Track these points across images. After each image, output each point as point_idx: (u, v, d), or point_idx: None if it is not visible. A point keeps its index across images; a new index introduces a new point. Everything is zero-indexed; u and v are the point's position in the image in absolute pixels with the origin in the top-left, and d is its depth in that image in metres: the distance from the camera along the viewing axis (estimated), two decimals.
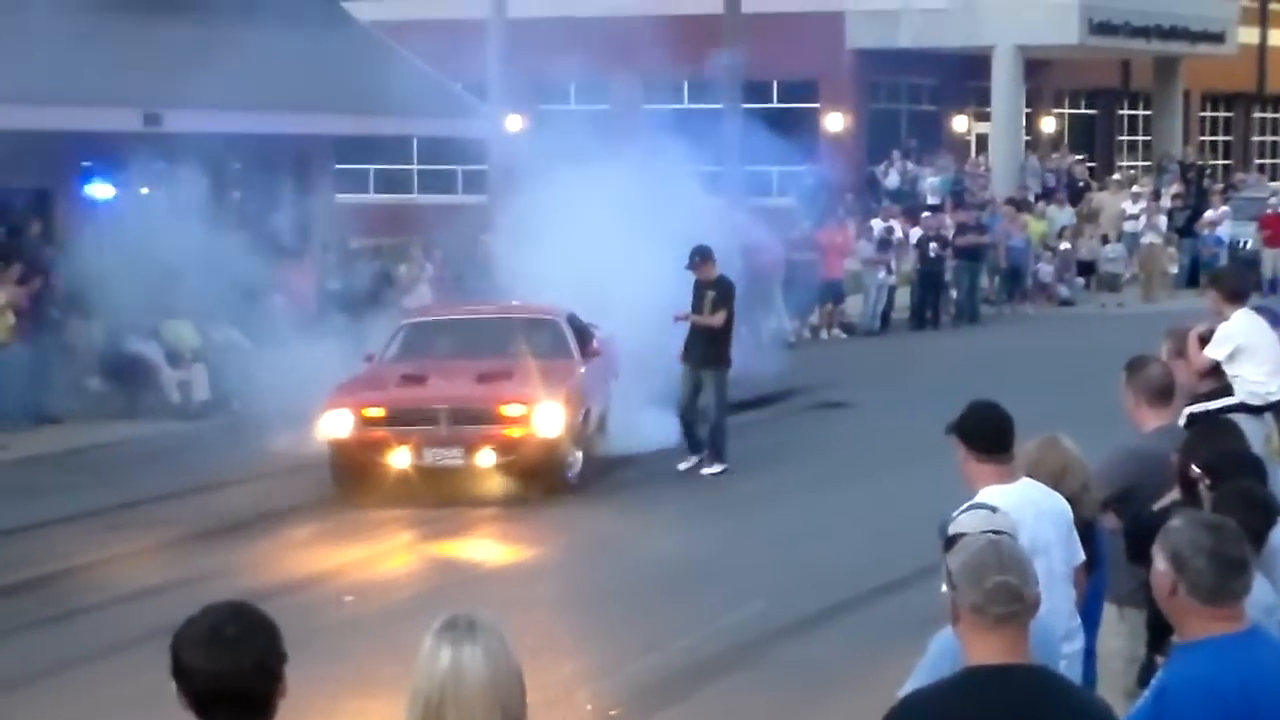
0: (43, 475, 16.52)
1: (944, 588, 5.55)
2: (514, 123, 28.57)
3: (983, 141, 40.01)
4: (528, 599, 11.51)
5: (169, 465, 16.56)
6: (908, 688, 4.86)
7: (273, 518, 14.67)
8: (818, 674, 10.25)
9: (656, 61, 27.60)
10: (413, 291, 22.45)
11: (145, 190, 21.50)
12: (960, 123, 40.66)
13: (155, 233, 17.59)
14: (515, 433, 15.05)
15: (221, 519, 14.52)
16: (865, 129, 38.09)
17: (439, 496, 14.89)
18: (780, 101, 38.09)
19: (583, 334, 16.91)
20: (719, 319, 16.46)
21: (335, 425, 15.13)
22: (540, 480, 15.15)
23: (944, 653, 5.04)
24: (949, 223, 30.02)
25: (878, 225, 29.75)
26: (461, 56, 26.26)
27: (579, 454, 15.63)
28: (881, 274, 28.35)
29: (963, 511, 5.39)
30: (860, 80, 38.41)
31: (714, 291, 16.55)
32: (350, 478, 15.11)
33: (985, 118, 39.61)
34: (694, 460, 16.40)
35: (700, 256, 16.71)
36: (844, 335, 27.94)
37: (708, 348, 16.47)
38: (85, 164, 22.76)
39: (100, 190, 22.76)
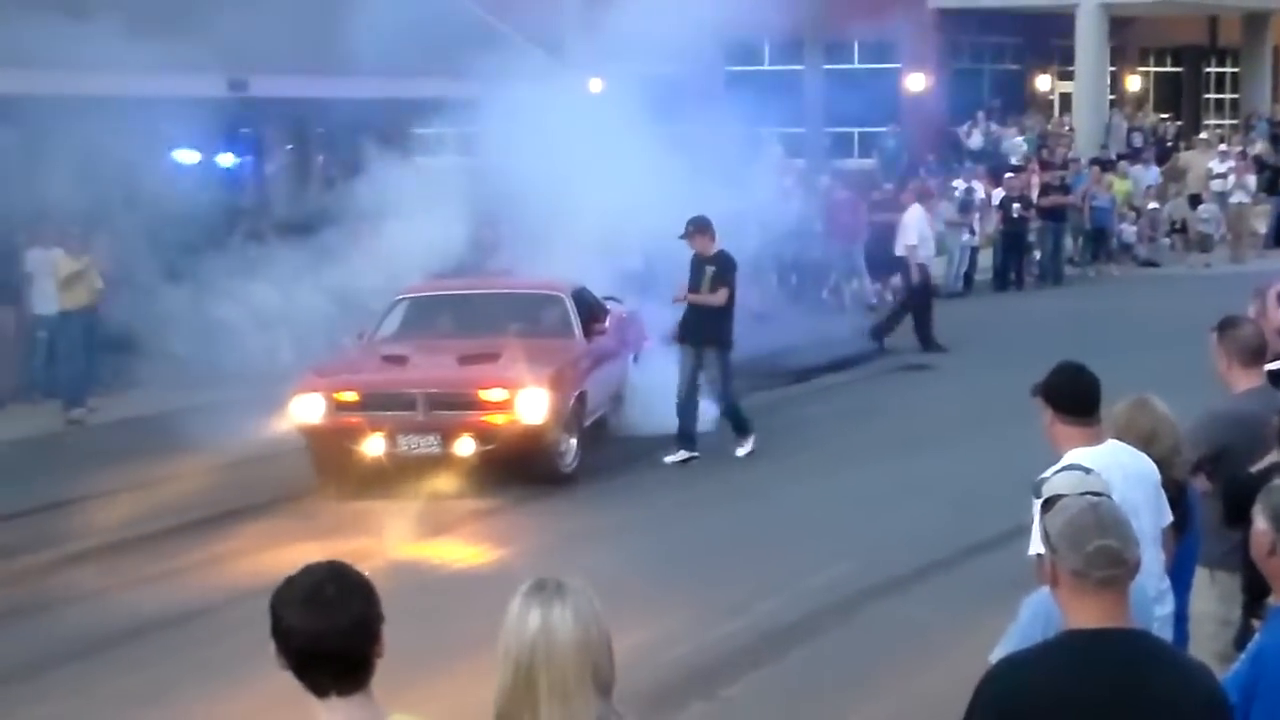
0: (122, 440, 16.67)
1: (1033, 550, 5.54)
2: (595, 85, 28.53)
3: (1066, 101, 39.65)
4: (608, 564, 11.54)
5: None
6: (999, 651, 4.84)
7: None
8: (907, 635, 10.23)
9: (737, 23, 27.47)
10: (495, 256, 22.49)
11: (230, 156, 21.67)
12: (1043, 82, 40.28)
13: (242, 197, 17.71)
14: (497, 419, 14.09)
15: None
16: (947, 89, 37.79)
17: (438, 486, 14.02)
18: (861, 62, 37.85)
19: (592, 310, 16.12)
20: (720, 297, 15.31)
21: (306, 410, 14.23)
22: (530, 470, 14.26)
23: (1036, 616, 5.02)
24: (1033, 183, 29.79)
25: (959, 186, 29.57)
26: (540, 17, 26.24)
27: (573, 441, 14.69)
28: (964, 235, 28.18)
29: (1056, 473, 5.35)
30: (942, 40, 38.13)
31: (714, 267, 15.36)
32: (328, 466, 14.26)
33: (1069, 76, 39.24)
34: (682, 455, 15.27)
35: (695, 227, 15.47)
36: None
37: (709, 327, 15.34)
38: (171, 130, 22.91)
39: (186, 156, 22.93)
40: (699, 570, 11.80)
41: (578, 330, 15.62)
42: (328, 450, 14.24)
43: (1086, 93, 37.89)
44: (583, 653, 3.78)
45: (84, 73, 19.37)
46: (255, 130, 19.91)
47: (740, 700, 9.29)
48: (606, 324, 16.12)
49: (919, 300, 22.51)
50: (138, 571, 12.22)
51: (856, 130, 36.18)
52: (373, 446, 14.10)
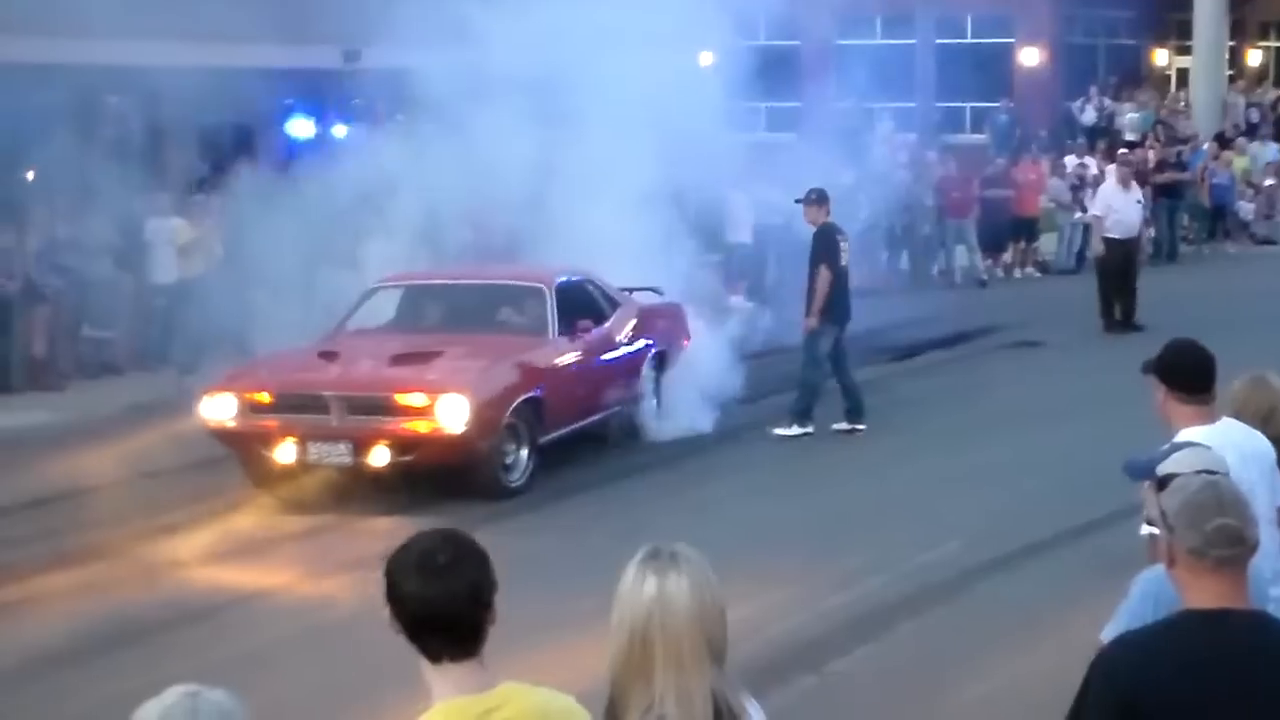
0: None
1: (1143, 529, 5.50)
2: (705, 58, 28.48)
3: (1184, 76, 39.09)
4: (716, 535, 11.56)
5: None
6: (1110, 630, 4.82)
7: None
8: (1013, 614, 10.19)
9: None
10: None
11: (344, 126, 21.83)
12: (1161, 56, 39.73)
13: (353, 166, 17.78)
14: (416, 427, 12.80)
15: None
16: (1061, 64, 37.40)
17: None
18: (974, 37, 37.53)
19: (589, 304, 14.97)
20: (822, 276, 15.31)
21: (217, 410, 13.21)
22: (468, 485, 13.02)
23: (1146, 595, 4.99)
24: (1150, 159, 29.42)
25: (1071, 162, 29.27)
26: None
27: (523, 453, 13.41)
28: (1077, 213, 27.91)
29: (1169, 451, 5.31)
30: (1056, 13, 37.72)
31: (812, 244, 15.56)
32: (252, 472, 13.37)
33: (1187, 51, 38.67)
34: (795, 428, 15.32)
35: (816, 196, 15.63)
36: (1038, 274, 27.59)
37: (807, 303, 15.45)
38: (286, 101, 23.17)
39: (300, 127, 23.16)
40: (807, 545, 11.80)
41: (551, 327, 14.35)
42: (243, 456, 13.34)
43: (1204, 68, 37.32)
44: (698, 621, 3.78)
45: (199, 43, 19.61)
46: (368, 101, 20.04)
47: (848, 675, 9.29)
48: (610, 320, 15.03)
49: (1101, 274, 21.66)
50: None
51: (968, 105, 35.90)
52: (284, 453, 13.03)
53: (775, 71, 24.20)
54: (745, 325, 18.92)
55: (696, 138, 17.28)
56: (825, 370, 15.55)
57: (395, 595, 3.68)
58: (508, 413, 13.21)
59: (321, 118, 22.40)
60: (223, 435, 13.34)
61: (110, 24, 18.17)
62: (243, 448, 13.30)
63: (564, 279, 14.96)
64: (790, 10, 28.14)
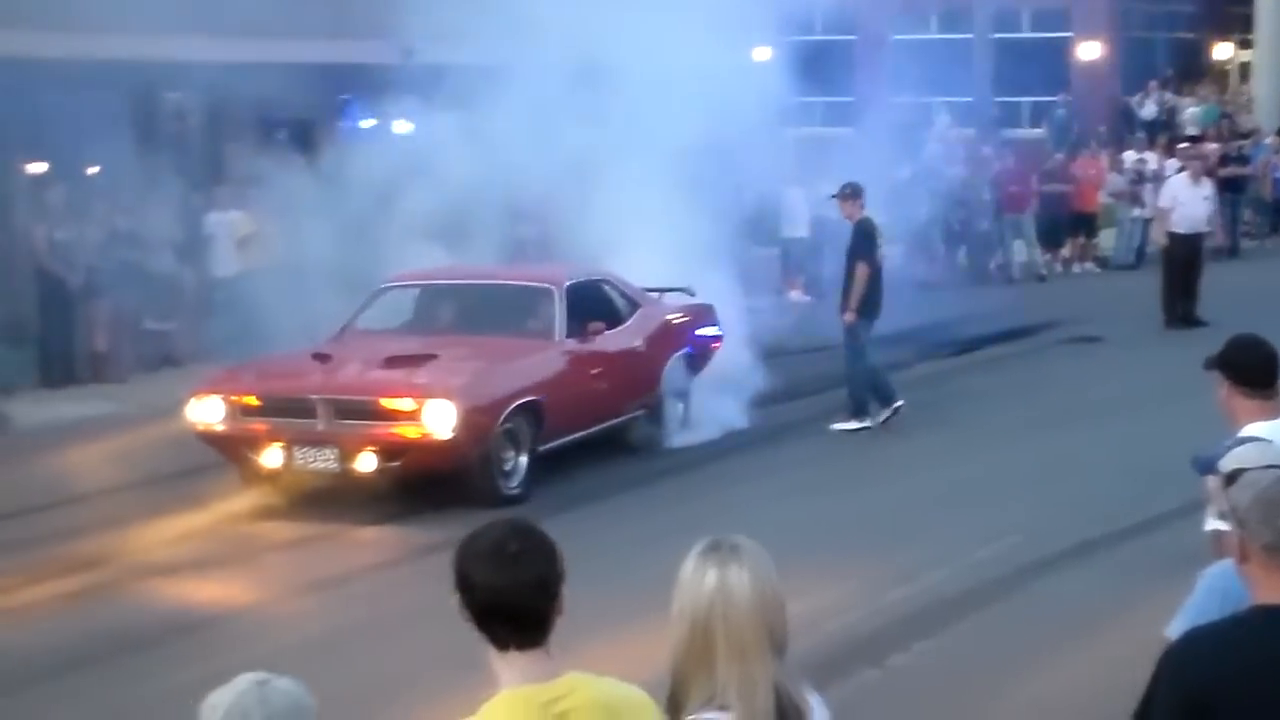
0: None
1: (1208, 524, 5.47)
2: (761, 53, 28.47)
3: (1246, 70, 38.80)
4: (772, 529, 11.55)
5: None
6: (1177, 626, 4.78)
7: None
8: (1074, 609, 10.14)
9: None
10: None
11: (402, 121, 21.88)
12: (1222, 50, 39.43)
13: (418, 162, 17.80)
14: (404, 432, 12.46)
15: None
16: (1120, 58, 37.18)
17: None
18: (1032, 30, 37.36)
19: (605, 305, 14.57)
20: (860, 273, 15.37)
21: (204, 413, 12.96)
22: (461, 492, 12.47)
23: (1213, 590, 4.96)
24: (1211, 154, 29.21)
25: (1130, 157, 29.11)
26: None
27: (522, 459, 13.03)
28: (1136, 209, 27.74)
29: (1233, 446, 5.28)
30: (1115, 7, 37.50)
31: (851, 238, 15.60)
32: (246, 477, 13.12)
33: (1249, 45, 38.38)
34: (885, 412, 15.38)
35: (851, 190, 15.62)
36: (1097, 269, 27.45)
37: (843, 297, 15.54)
38: (344, 96, 23.27)
39: (358, 122, 23.24)
40: (866, 540, 11.78)
41: (558, 329, 13.99)
42: (232, 460, 13.09)
43: (1268, 61, 36.99)
44: (759, 613, 3.78)
45: (257, 39, 19.71)
46: (423, 97, 20.09)
47: (908, 669, 9.26)
48: (627, 322, 14.67)
49: (1167, 268, 21.37)
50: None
51: (1026, 99, 35.75)
52: (271, 458, 12.79)
53: (831, 66, 24.21)
54: (799, 320, 18.90)
55: (752, 133, 17.25)
56: (871, 362, 15.51)
57: (465, 584, 3.70)
58: (501, 418, 12.79)
59: (378, 112, 22.48)
60: (210, 439, 13.06)
61: (169, 20, 18.30)
62: (230, 452, 13.06)
63: (576, 280, 14.60)
64: (847, 4, 28.15)
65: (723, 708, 3.76)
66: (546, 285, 14.39)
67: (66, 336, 18.32)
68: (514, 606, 3.67)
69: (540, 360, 13.68)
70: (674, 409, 15.14)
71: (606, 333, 14.29)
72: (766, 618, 3.81)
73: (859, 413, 15.47)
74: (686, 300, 15.73)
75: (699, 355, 15.50)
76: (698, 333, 15.56)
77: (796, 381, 16.85)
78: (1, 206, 19.01)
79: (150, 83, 19.84)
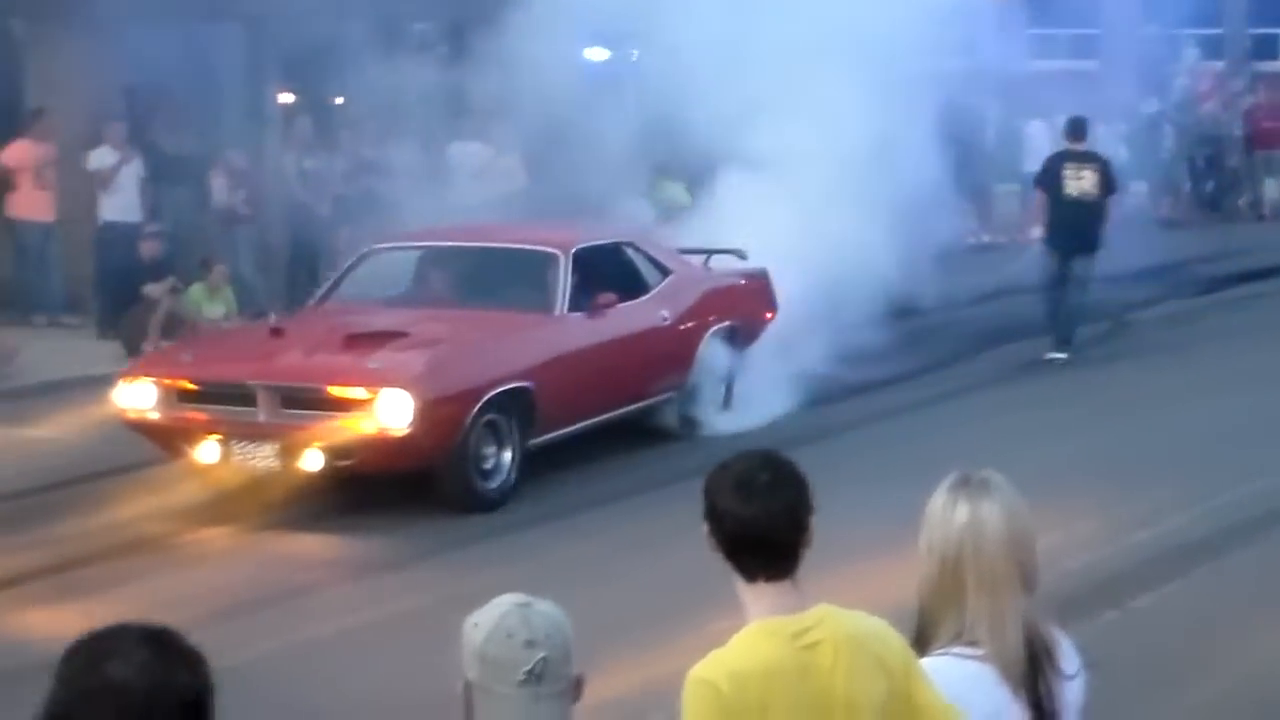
0: None
1: None
2: None
3: None
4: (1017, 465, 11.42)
5: None
6: None
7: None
8: None
9: None
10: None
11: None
12: None
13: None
14: (354, 426, 10.60)
15: None
16: None
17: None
18: None
19: (614, 275, 12.66)
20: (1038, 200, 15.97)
21: (134, 399, 11.23)
22: (437, 492, 10.96)
23: None
24: None
25: None
26: None
27: (506, 455, 11.19)
28: None
29: None
30: None
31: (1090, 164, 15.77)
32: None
33: None
34: (1054, 353, 15.57)
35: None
36: None
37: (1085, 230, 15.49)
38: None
39: (595, 54, 23.30)
40: (1106, 479, 11.57)
41: (560, 301, 12.11)
42: (168, 452, 11.37)
43: None
44: (1010, 548, 3.76)
45: None
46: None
47: (1149, 612, 9.10)
48: (651, 292, 12.84)
49: None
50: None
51: None
52: (207, 453, 11.06)
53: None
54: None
55: (993, 66, 16.99)
56: (1055, 295, 15.63)
57: (713, 514, 3.72)
58: (476, 409, 10.92)
59: (616, 45, 22.48)
60: (141, 428, 11.31)
61: None
62: (164, 444, 11.32)
63: (589, 243, 12.68)
64: None
65: (972, 643, 3.75)
66: (550, 250, 12.38)
67: (315, 262, 18.75)
68: (763, 537, 3.68)
69: (533, 338, 11.80)
70: (714, 390, 13.25)
71: (621, 305, 12.38)
72: (1017, 554, 3.79)
73: (1060, 345, 15.60)
74: (735, 266, 13.82)
75: (744, 329, 13.48)
76: (744, 303, 13.57)
77: (1023, 322, 16.56)
78: (254, 136, 19.47)
79: (397, 14, 20.11)
